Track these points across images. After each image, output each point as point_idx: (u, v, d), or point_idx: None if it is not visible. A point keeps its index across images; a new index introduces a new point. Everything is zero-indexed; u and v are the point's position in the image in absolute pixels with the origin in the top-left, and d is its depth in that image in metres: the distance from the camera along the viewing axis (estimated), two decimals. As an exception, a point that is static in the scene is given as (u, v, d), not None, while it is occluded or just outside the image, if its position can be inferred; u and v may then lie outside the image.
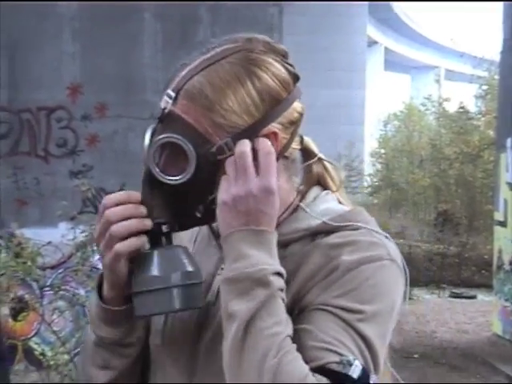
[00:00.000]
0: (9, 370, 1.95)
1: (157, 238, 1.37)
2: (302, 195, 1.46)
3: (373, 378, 1.27)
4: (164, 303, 1.34)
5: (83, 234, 5.87)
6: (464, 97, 23.12)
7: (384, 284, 1.33)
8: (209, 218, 1.35)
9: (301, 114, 1.41)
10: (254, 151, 1.30)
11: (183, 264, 1.35)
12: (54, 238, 6.53)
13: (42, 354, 5.36)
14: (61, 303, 5.91)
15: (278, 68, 1.37)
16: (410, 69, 41.79)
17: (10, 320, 5.92)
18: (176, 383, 1.46)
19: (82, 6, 7.50)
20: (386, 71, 37.70)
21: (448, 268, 15.64)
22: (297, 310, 1.31)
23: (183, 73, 1.36)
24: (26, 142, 7.51)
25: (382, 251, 1.34)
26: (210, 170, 1.33)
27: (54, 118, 7.51)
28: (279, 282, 1.27)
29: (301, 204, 1.43)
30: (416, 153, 22.55)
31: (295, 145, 1.42)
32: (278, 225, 1.37)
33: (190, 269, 1.34)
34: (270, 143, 1.32)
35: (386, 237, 1.39)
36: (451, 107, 22.90)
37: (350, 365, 1.24)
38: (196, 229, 1.50)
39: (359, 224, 1.37)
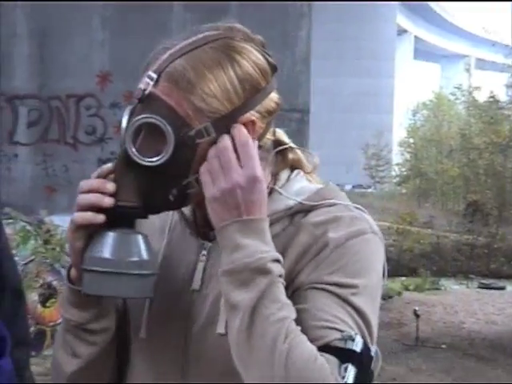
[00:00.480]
0: (29, 356, 1.94)
1: (119, 220, 1.35)
2: (275, 178, 1.47)
3: (373, 350, 1.30)
4: (112, 287, 1.33)
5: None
6: (495, 86, 22.96)
7: (370, 257, 1.37)
8: (181, 201, 1.37)
9: (277, 105, 1.41)
10: (233, 142, 1.32)
11: (139, 252, 1.34)
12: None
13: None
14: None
15: (258, 57, 1.38)
16: (439, 58, 41.54)
17: (39, 306, 5.97)
18: (167, 374, 1.46)
19: (112, -6, 7.53)
20: (415, 60, 37.52)
21: (476, 259, 15.58)
22: (290, 291, 1.31)
23: (165, 56, 1.36)
24: (56, 129, 7.53)
25: (364, 225, 1.38)
26: (188, 154, 1.33)
27: (83, 105, 7.52)
28: (278, 268, 1.29)
29: (275, 187, 1.44)
30: (445, 142, 22.45)
31: (269, 135, 1.43)
32: None
33: (144, 257, 1.33)
34: (246, 132, 1.33)
35: (361, 209, 1.42)
36: (481, 97, 22.76)
37: (352, 340, 1.27)
38: (168, 217, 1.51)
39: (334, 200, 1.40)
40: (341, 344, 1.26)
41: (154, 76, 1.34)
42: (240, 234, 1.30)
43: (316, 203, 1.40)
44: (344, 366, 1.25)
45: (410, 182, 22.08)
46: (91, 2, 7.49)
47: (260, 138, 1.39)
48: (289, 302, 1.28)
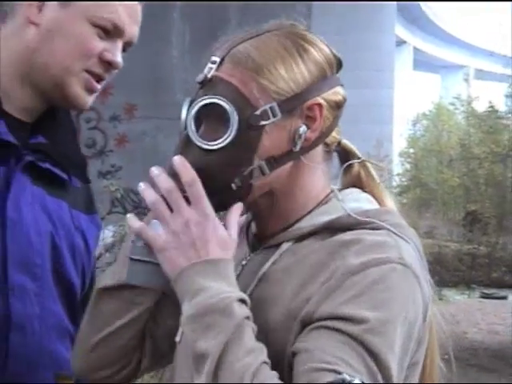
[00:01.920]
0: None
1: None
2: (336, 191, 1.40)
3: None
4: (154, 278, 1.31)
5: (112, 235, 5.87)
6: (493, 96, 22.99)
7: (393, 288, 1.22)
8: (244, 193, 1.29)
9: (344, 99, 1.37)
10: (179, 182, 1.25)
11: None
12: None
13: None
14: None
15: (324, 46, 1.35)
16: (439, 68, 41.60)
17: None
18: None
19: None
20: (415, 71, 37.57)
21: (478, 268, 15.54)
22: (294, 317, 1.23)
23: (227, 44, 1.33)
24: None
25: (393, 253, 1.23)
26: (252, 137, 1.27)
27: (83, 118, 7.53)
28: (244, 310, 1.20)
29: (337, 195, 1.36)
30: (445, 152, 22.44)
31: (336, 134, 1.37)
32: (303, 217, 1.33)
33: None
34: (192, 170, 1.24)
35: (408, 241, 1.29)
36: (480, 107, 22.79)
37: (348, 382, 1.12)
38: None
39: (381, 223, 1.28)
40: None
41: (217, 60, 1.30)
42: (200, 276, 1.21)
43: (359, 219, 1.28)
44: None
45: (410, 191, 22.05)
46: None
47: (328, 131, 1.33)
48: (259, 345, 1.18)
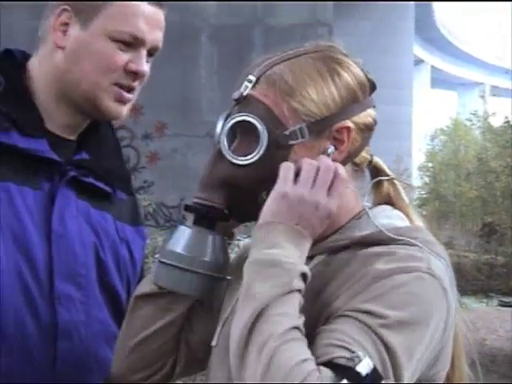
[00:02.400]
0: None
1: (200, 218, 1.31)
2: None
3: (388, 382, 1.16)
4: (177, 282, 1.30)
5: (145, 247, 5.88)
6: (509, 111, 22.85)
7: (418, 295, 1.22)
8: None
9: (374, 122, 1.37)
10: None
11: (209, 252, 1.30)
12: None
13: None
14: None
15: (357, 70, 1.35)
16: (456, 86, 41.48)
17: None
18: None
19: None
20: (432, 88, 37.48)
21: (496, 277, 15.42)
22: (323, 318, 1.24)
23: (265, 63, 1.33)
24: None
25: (420, 264, 1.23)
26: (280, 155, 1.28)
27: (118, 136, 7.56)
28: (300, 284, 1.20)
29: (368, 211, 1.35)
30: (463, 166, 22.31)
31: (365, 153, 1.37)
32: (335, 232, 1.33)
33: (218, 261, 1.29)
34: (345, 173, 1.27)
35: (439, 258, 1.28)
36: (496, 122, 22.65)
37: (360, 361, 1.14)
38: None
39: (413, 241, 1.27)
40: (344, 362, 1.14)
41: (253, 79, 1.31)
42: (285, 236, 1.22)
43: (391, 236, 1.27)
44: (340, 381, 1.12)
45: (429, 204, 21.92)
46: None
47: (356, 152, 1.33)
48: (299, 315, 1.19)
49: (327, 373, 1.12)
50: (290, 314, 1.18)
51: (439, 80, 38.05)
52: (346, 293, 1.23)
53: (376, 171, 1.41)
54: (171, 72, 7.35)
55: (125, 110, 1.63)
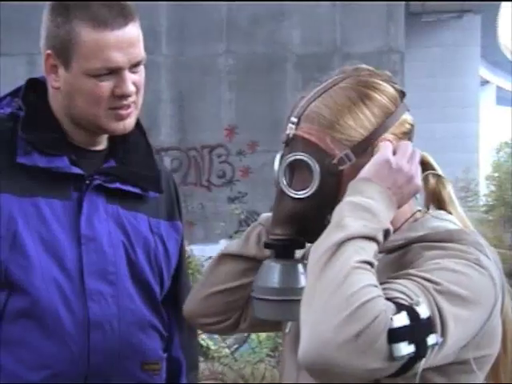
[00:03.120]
0: (197, 379, 1.93)
1: (281, 251, 1.31)
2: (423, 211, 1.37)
3: (435, 337, 1.11)
4: (279, 312, 1.30)
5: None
6: None
7: (470, 278, 1.18)
8: None
9: (411, 125, 1.35)
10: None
11: (300, 279, 1.29)
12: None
13: (208, 347, 5.43)
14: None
15: (385, 85, 1.34)
16: (519, 103, 40.41)
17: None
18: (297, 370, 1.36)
19: (237, 62, 7.64)
20: (498, 105, 36.62)
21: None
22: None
23: (302, 103, 1.34)
24: (193, 174, 7.68)
25: (470, 256, 1.21)
26: (334, 181, 1.28)
27: (215, 154, 7.66)
28: (381, 239, 1.19)
29: (422, 213, 1.34)
30: (526, 176, 21.70)
31: None
32: (394, 231, 1.29)
33: (303, 284, 1.25)
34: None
35: (489, 257, 1.24)
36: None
37: (417, 305, 1.10)
38: None
39: (463, 241, 1.24)
40: (405, 302, 1.10)
41: (295, 120, 1.32)
42: (380, 196, 1.21)
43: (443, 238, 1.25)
44: (401, 313, 1.08)
45: (495, 210, 21.34)
46: (220, 69, 7.62)
47: None
48: (375, 262, 1.16)
49: (391, 305, 1.10)
50: (366, 253, 1.15)
51: (504, 98, 37.11)
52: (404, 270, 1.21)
53: (424, 166, 1.38)
54: (261, 96, 7.41)
55: (129, 122, 1.60)
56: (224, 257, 1.52)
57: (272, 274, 1.31)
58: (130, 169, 1.67)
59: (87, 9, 1.50)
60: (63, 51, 1.52)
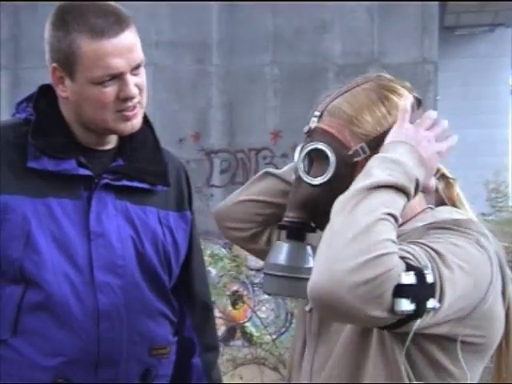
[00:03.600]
0: (217, 358, 1.91)
1: (293, 232, 1.32)
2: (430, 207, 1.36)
3: (434, 302, 1.13)
4: (285, 288, 1.30)
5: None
6: None
7: (468, 253, 1.18)
8: None
9: None
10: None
11: (307, 259, 1.30)
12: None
13: (251, 334, 5.46)
14: (265, 296, 6.00)
15: (403, 91, 1.34)
16: (548, 110, 39.61)
17: (230, 308, 6.02)
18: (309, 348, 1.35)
19: (282, 71, 7.66)
20: (527, 113, 35.94)
21: None
22: None
23: (326, 100, 1.36)
24: (241, 174, 7.70)
25: (472, 237, 1.21)
26: (348, 171, 1.28)
27: (261, 156, 7.68)
28: (412, 189, 1.19)
29: (429, 206, 1.33)
30: (553, 178, 21.30)
31: None
32: (405, 223, 1.30)
33: (311, 264, 1.26)
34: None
35: (490, 243, 1.24)
36: None
37: (427, 269, 1.12)
38: None
39: (467, 229, 1.24)
40: (414, 264, 1.12)
41: (318, 114, 1.34)
42: (408, 153, 1.21)
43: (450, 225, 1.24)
44: (410, 272, 1.10)
45: (524, 210, 21.01)
46: (266, 78, 7.63)
47: None
48: (399, 216, 1.16)
49: (402, 262, 1.11)
50: (393, 206, 1.15)
51: (533, 106, 36.41)
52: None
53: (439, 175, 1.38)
54: (304, 103, 7.35)
55: (136, 122, 1.59)
56: (267, 175, 1.54)
57: (282, 252, 1.32)
58: (137, 165, 1.66)
59: (84, 21, 1.48)
60: (67, 64, 1.51)
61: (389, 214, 1.13)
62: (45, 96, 1.63)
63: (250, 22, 7.66)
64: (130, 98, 1.55)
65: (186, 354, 1.77)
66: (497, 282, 1.23)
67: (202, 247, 1.95)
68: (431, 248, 1.16)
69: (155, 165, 1.70)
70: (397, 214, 1.15)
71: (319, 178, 1.29)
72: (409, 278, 1.09)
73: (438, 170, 1.38)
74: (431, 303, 1.12)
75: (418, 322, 1.11)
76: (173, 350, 1.72)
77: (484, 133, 16.21)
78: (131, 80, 1.55)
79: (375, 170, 1.17)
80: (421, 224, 1.30)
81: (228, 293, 5.87)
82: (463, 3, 11.26)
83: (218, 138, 7.76)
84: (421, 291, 1.10)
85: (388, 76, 1.39)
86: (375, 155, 1.22)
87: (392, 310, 1.09)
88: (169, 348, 1.69)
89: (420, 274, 1.11)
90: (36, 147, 1.55)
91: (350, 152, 1.29)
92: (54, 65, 1.54)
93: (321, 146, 1.30)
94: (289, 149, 7.48)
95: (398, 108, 1.31)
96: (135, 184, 1.65)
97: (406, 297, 1.08)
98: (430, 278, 1.11)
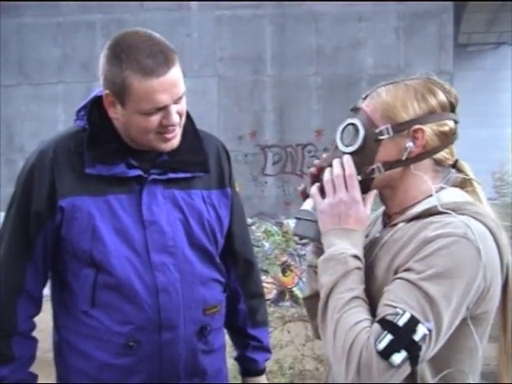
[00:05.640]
0: (262, 304, 1.89)
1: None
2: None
3: (425, 325, 1.06)
4: (309, 231, 1.27)
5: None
6: None
7: (454, 253, 1.10)
8: (366, 184, 1.23)
9: (451, 131, 1.24)
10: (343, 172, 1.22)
11: None
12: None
13: (297, 296, 5.43)
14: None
15: (440, 93, 1.24)
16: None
17: (281, 275, 6.02)
18: None
19: (323, 81, 7.58)
20: (526, 115, 35.11)
21: None
22: (393, 269, 1.15)
23: (375, 87, 1.29)
24: (289, 165, 7.67)
25: (459, 230, 1.11)
26: (373, 146, 1.23)
27: (306, 150, 7.61)
28: (355, 263, 1.15)
29: (433, 192, 1.22)
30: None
31: (447, 155, 1.24)
32: (412, 206, 1.22)
33: None
34: (353, 166, 1.21)
35: (485, 225, 1.14)
36: None
37: (397, 315, 1.07)
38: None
39: (462, 211, 1.15)
40: (390, 318, 1.07)
41: (364, 96, 1.28)
42: (334, 236, 1.19)
43: (441, 210, 1.16)
44: (383, 333, 1.06)
45: (523, 197, 20.51)
46: (311, 86, 7.56)
47: (433, 151, 1.22)
48: (358, 287, 1.14)
49: (376, 327, 1.07)
50: (349, 288, 1.13)
51: (531, 110, 35.56)
52: (404, 251, 1.15)
53: (458, 170, 1.28)
54: (342, 107, 7.19)
55: (175, 141, 1.54)
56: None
57: (311, 203, 1.29)
58: (180, 158, 1.61)
59: (136, 61, 1.43)
60: (119, 94, 1.47)
61: (345, 304, 1.12)
62: (97, 105, 1.58)
63: (297, 40, 7.64)
64: (171, 125, 1.51)
65: (233, 302, 1.77)
66: (493, 260, 1.14)
67: (257, 225, 1.88)
68: (412, 270, 1.11)
69: (196, 155, 1.66)
70: (355, 293, 1.13)
71: (350, 147, 1.25)
72: (384, 340, 1.05)
73: (464, 172, 1.28)
74: (421, 331, 1.06)
75: (424, 348, 1.07)
76: (223, 304, 1.70)
77: (491, 132, 15.80)
78: (174, 109, 1.49)
79: (322, 278, 1.17)
80: (425, 207, 1.20)
81: (278, 263, 5.84)
82: (473, 25, 11.15)
83: (271, 135, 7.74)
84: (401, 337, 1.05)
85: (434, 78, 1.29)
86: (318, 263, 1.20)
87: (394, 367, 1.06)
88: (219, 305, 1.67)
89: (393, 326, 1.06)
90: (90, 156, 1.54)
91: (377, 130, 1.23)
92: (107, 92, 1.50)
93: (354, 121, 1.26)
94: (329, 144, 7.37)
95: (428, 104, 1.23)
96: (179, 175, 1.61)
97: (392, 353, 1.05)
98: (404, 320, 1.06)
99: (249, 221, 6.94)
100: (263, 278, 5.72)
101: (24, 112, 8.03)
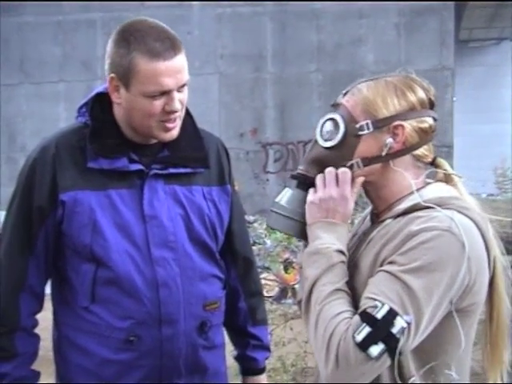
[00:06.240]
0: (261, 302, 1.90)
1: (301, 183, 1.29)
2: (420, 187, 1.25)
3: (404, 318, 1.07)
4: (282, 224, 1.28)
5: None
6: None
7: (437, 247, 1.10)
8: None
9: (430, 127, 1.23)
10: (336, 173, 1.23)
11: (299, 205, 1.27)
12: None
13: (301, 294, 5.43)
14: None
15: (419, 90, 1.24)
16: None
17: (283, 272, 6.01)
18: None
19: (325, 78, 7.56)
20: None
21: None
22: (378, 263, 1.15)
23: (355, 83, 1.28)
24: (291, 163, 7.68)
25: (443, 224, 1.11)
26: (353, 141, 1.22)
27: (308, 147, 7.60)
28: (339, 257, 1.17)
29: (415, 191, 1.22)
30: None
31: (426, 152, 1.24)
32: (398, 201, 1.23)
33: (300, 210, 1.26)
34: (348, 170, 1.21)
35: (470, 219, 1.13)
36: None
37: (376, 307, 1.08)
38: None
39: (447, 206, 1.15)
40: (369, 310, 1.08)
41: (344, 92, 1.27)
42: (320, 229, 1.20)
43: (426, 205, 1.16)
44: (362, 325, 1.07)
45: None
46: (312, 83, 7.55)
47: (411, 147, 1.22)
48: (341, 280, 1.16)
49: (356, 319, 1.09)
50: (332, 281, 1.15)
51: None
52: (390, 245, 1.15)
53: (436, 167, 1.28)
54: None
55: (175, 131, 1.54)
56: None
57: (286, 196, 1.30)
58: (181, 154, 1.61)
59: (144, 43, 1.45)
60: (124, 76, 1.47)
61: (327, 296, 1.14)
62: (99, 102, 1.59)
63: (298, 37, 7.61)
64: (174, 112, 1.51)
65: (233, 300, 1.76)
66: (478, 253, 1.15)
67: (259, 222, 1.87)
68: (394, 262, 1.11)
69: (196, 151, 1.66)
70: (337, 286, 1.15)
71: (329, 142, 1.25)
72: (362, 332, 1.07)
73: (441, 167, 1.28)
74: (399, 323, 1.08)
75: (402, 341, 1.08)
76: (223, 301, 1.69)
77: (493, 127, 15.76)
78: (176, 96, 1.50)
79: (306, 271, 1.19)
80: (411, 204, 1.20)
81: (281, 260, 5.83)
82: (475, 21, 11.09)
83: (272, 132, 7.73)
84: (379, 330, 1.07)
85: (412, 76, 1.28)
86: (303, 252, 1.22)
87: (372, 359, 1.07)
88: (219, 302, 1.66)
89: (371, 319, 1.07)
90: (93, 150, 1.54)
91: (357, 125, 1.22)
92: (113, 75, 1.50)
93: (334, 116, 1.25)
94: (330, 141, 7.42)
95: (407, 101, 1.25)
96: (179, 170, 1.61)
97: (369, 345, 1.07)
98: (382, 312, 1.07)
99: (251, 218, 6.91)
100: (265, 275, 5.71)
101: (25, 111, 8.03)
